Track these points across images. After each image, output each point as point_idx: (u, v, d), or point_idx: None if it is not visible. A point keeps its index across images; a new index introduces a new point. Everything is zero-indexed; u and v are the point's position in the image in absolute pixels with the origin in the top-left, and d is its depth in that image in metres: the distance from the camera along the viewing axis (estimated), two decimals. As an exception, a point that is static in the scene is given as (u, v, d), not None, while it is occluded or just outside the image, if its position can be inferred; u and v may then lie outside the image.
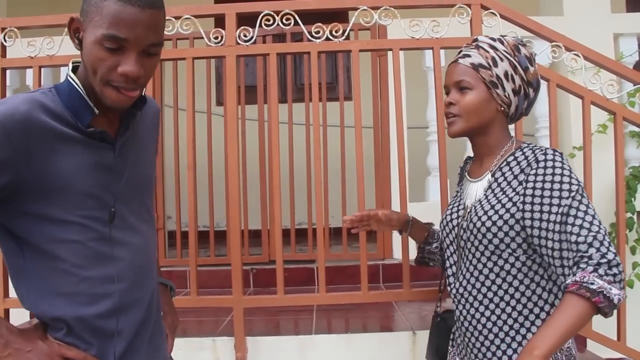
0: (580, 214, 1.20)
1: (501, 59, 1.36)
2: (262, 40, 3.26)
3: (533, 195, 1.25)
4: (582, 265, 1.16)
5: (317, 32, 2.06)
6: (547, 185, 1.24)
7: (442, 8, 2.11)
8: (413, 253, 2.52)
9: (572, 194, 1.22)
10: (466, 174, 1.51)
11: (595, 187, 2.14)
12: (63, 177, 1.10)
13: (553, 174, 1.25)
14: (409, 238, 1.79)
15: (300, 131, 3.58)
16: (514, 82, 1.36)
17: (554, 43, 2.11)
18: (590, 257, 1.16)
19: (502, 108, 1.38)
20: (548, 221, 1.23)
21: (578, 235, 1.18)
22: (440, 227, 1.53)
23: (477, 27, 2.07)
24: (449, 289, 1.46)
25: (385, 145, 3.32)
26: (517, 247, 1.29)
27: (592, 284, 1.13)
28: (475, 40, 1.43)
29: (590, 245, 1.16)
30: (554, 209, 1.22)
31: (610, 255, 1.15)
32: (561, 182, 1.23)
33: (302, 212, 3.54)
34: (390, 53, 2.11)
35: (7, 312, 2.09)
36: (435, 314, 1.63)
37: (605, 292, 1.13)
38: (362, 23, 2.08)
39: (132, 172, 1.23)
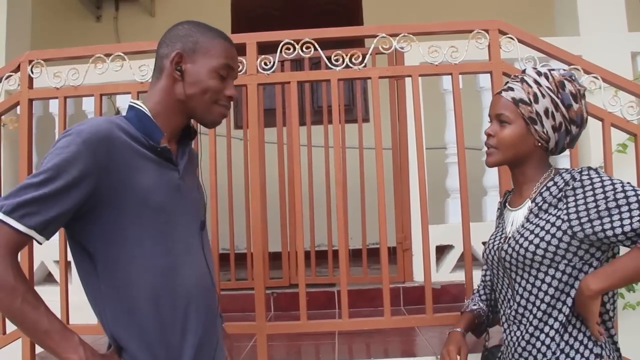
0: (632, 195, 1.24)
1: (543, 96, 1.37)
2: (280, 65, 3.31)
3: (577, 205, 1.29)
4: None
5: (337, 60, 2.09)
6: (589, 194, 1.28)
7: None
8: (434, 276, 2.53)
9: (617, 188, 1.26)
10: (507, 205, 1.53)
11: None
12: (141, 190, 1.21)
13: (592, 183, 1.29)
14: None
15: (319, 153, 3.61)
16: (554, 119, 1.37)
17: (572, 66, 2.12)
18: None
19: (540, 143, 1.40)
20: (601, 213, 1.26)
21: (634, 206, 1.23)
22: (484, 257, 1.55)
23: (495, 52, 2.08)
24: (502, 316, 1.48)
25: (404, 167, 3.32)
26: (573, 255, 1.31)
27: None
28: (523, 72, 1.45)
29: None
30: (602, 205, 1.26)
31: None
32: (603, 186, 1.28)
33: (322, 234, 3.54)
34: (408, 78, 2.13)
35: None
36: (484, 348, 1.64)
37: None
38: (381, 49, 2.11)
39: (192, 197, 1.37)
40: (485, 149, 1.47)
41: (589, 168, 1.34)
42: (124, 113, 1.34)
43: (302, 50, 2.10)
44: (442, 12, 5.18)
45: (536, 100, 1.37)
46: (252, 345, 2.33)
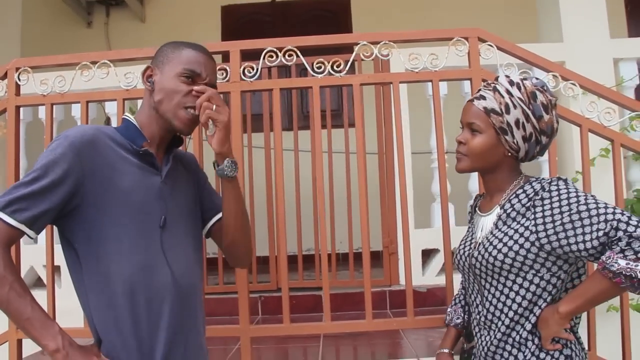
0: (593, 211, 1.26)
1: (514, 106, 1.38)
2: (267, 72, 3.34)
3: (544, 217, 1.32)
4: (613, 247, 1.22)
5: (319, 67, 2.13)
6: (555, 205, 1.31)
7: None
8: (416, 280, 2.55)
9: (581, 201, 1.29)
10: (477, 209, 1.56)
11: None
12: (120, 191, 1.30)
13: (559, 195, 1.32)
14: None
15: (307, 158, 3.64)
16: (524, 129, 1.39)
17: (550, 73, 2.16)
18: (619, 239, 1.22)
19: (510, 153, 1.42)
20: (567, 230, 1.28)
21: (596, 227, 1.24)
22: (455, 262, 1.58)
23: (475, 59, 2.13)
24: (473, 319, 1.51)
25: (390, 172, 3.36)
26: (540, 266, 1.34)
27: (613, 265, 1.21)
28: (497, 79, 1.47)
29: (617, 229, 1.22)
30: (567, 219, 1.28)
31: (637, 232, 1.20)
32: (568, 199, 1.30)
33: (310, 238, 3.57)
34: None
35: (19, 342, 2.14)
36: (462, 350, 1.67)
37: (625, 273, 1.19)
38: (362, 57, 2.15)
39: (176, 202, 1.43)
40: (456, 155, 1.49)
41: (559, 178, 1.37)
42: (113, 118, 1.43)
43: (285, 58, 2.14)
44: (428, 18, 5.23)
45: (507, 111, 1.39)
46: (238, 348, 2.35)
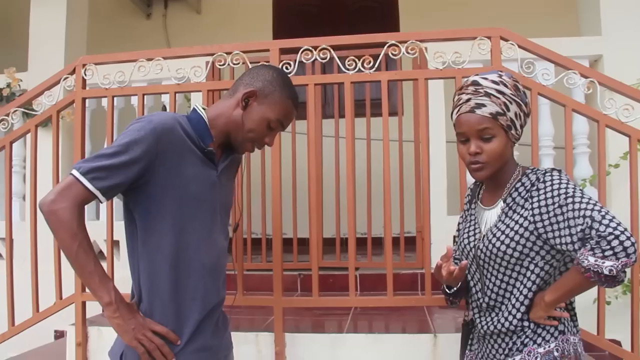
0: (576, 205, 1.39)
1: (510, 103, 1.50)
2: (312, 65, 3.53)
3: (540, 206, 1.45)
4: (586, 244, 1.37)
5: (350, 64, 2.32)
6: (549, 194, 1.44)
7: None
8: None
9: (569, 193, 1.42)
10: (479, 202, 1.68)
11: (623, 210, 2.22)
12: (184, 177, 1.51)
13: (552, 184, 1.45)
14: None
15: (359, 145, 3.78)
16: (521, 119, 1.53)
17: (569, 70, 2.27)
18: (591, 237, 1.35)
19: (514, 142, 1.56)
20: (557, 222, 1.42)
21: (575, 222, 1.38)
22: (458, 248, 1.70)
23: (497, 58, 2.26)
24: (472, 302, 1.65)
25: (424, 160, 3.50)
26: (535, 254, 1.48)
27: (584, 261, 1.36)
28: (475, 83, 1.53)
29: (590, 227, 1.35)
30: (557, 210, 1.42)
31: (606, 232, 1.33)
32: (559, 189, 1.43)
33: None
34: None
35: (84, 304, 2.46)
36: (464, 322, 1.78)
37: (594, 269, 1.34)
38: (391, 55, 2.32)
39: (224, 194, 1.66)
40: (472, 165, 1.54)
41: (553, 169, 1.50)
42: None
43: (319, 56, 2.33)
44: (471, 10, 5.28)
45: (507, 109, 1.50)
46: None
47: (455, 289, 1.68)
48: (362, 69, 2.31)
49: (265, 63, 1.67)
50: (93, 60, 2.52)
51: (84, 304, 2.46)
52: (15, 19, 4.80)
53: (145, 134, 1.43)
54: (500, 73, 1.57)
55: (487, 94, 1.51)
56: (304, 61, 2.35)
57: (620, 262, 1.33)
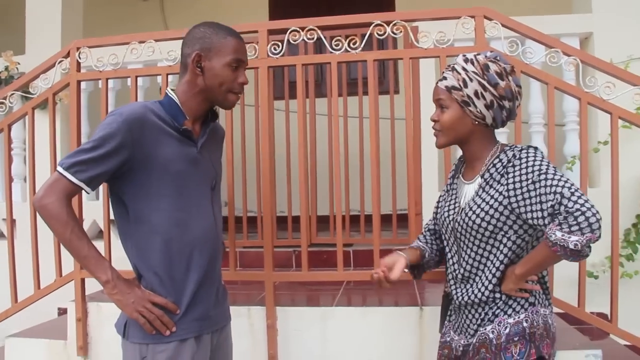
0: (548, 182, 1.46)
1: (470, 80, 1.57)
2: (304, 45, 3.56)
3: (514, 182, 1.52)
4: (554, 219, 1.43)
5: (337, 44, 2.37)
6: (523, 171, 1.51)
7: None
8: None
9: (542, 170, 1.48)
10: (460, 175, 1.75)
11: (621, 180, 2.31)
12: (163, 159, 1.61)
13: (527, 161, 1.52)
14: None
15: (354, 123, 3.82)
16: (484, 98, 1.57)
17: (552, 49, 2.31)
18: (559, 213, 1.42)
19: (477, 122, 1.61)
20: (530, 197, 1.49)
21: (547, 198, 1.44)
22: (439, 220, 1.78)
23: (481, 37, 2.30)
24: (449, 273, 1.73)
25: (416, 137, 3.55)
26: (508, 228, 1.56)
27: (551, 236, 1.43)
28: (456, 62, 1.65)
29: (560, 203, 1.42)
30: (531, 186, 1.49)
31: (573, 208, 1.40)
32: (533, 166, 1.50)
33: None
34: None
35: (83, 281, 2.55)
36: (445, 293, 1.86)
37: (560, 243, 1.41)
38: (377, 35, 2.36)
39: (208, 167, 1.74)
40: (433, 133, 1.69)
41: (529, 147, 1.56)
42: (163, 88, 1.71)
43: (307, 37, 2.38)
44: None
45: (465, 85, 1.57)
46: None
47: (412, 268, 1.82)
48: (349, 49, 2.36)
49: (192, 27, 1.71)
50: (87, 44, 2.58)
51: (82, 280, 2.55)
52: (13, 1, 4.82)
53: (118, 126, 1.54)
54: (486, 53, 1.64)
55: (452, 69, 1.61)
56: (292, 42, 2.40)
57: (585, 237, 1.39)
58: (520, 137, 2.33)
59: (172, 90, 1.70)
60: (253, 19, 3.30)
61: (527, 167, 1.51)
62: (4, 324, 2.75)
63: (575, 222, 1.39)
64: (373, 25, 2.34)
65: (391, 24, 2.32)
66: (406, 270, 1.76)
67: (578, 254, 1.43)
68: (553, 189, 1.44)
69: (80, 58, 2.58)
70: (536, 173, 1.49)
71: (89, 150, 1.54)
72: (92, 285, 2.63)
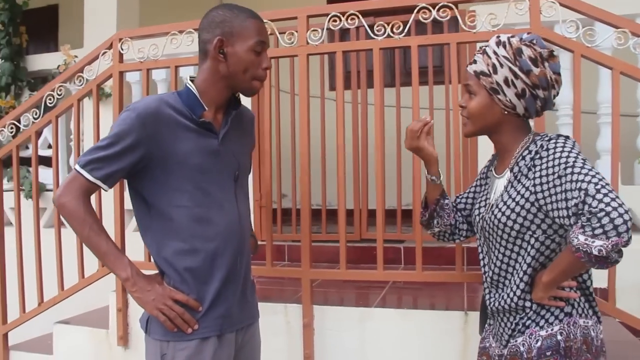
0: (574, 176, 1.28)
1: (501, 65, 1.41)
2: (356, 31, 3.42)
3: (541, 176, 1.36)
4: (578, 220, 1.25)
5: (379, 30, 2.23)
6: (550, 163, 1.34)
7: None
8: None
9: (569, 162, 1.31)
10: (493, 169, 1.60)
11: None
12: (181, 154, 1.54)
13: (555, 153, 1.35)
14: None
15: (407, 114, 3.65)
16: (515, 86, 1.41)
17: (619, 29, 2.06)
18: (582, 214, 1.24)
19: (507, 111, 1.45)
20: (556, 193, 1.32)
21: (572, 194, 1.26)
22: (472, 217, 1.63)
23: (535, 17, 2.09)
24: (483, 274, 1.58)
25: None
26: (536, 228, 1.39)
27: (574, 240, 1.24)
28: (488, 43, 1.50)
29: (584, 202, 1.24)
30: (557, 181, 1.31)
31: (597, 208, 1.21)
32: (560, 157, 1.33)
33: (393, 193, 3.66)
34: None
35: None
36: (482, 298, 1.72)
37: (583, 248, 1.22)
38: (421, 19, 2.20)
39: (232, 159, 1.65)
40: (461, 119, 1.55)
41: (559, 136, 1.38)
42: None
43: (347, 22, 2.26)
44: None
45: (495, 71, 1.41)
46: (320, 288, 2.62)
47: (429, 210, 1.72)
48: (391, 34, 2.22)
49: (209, 10, 1.61)
50: (128, 35, 2.57)
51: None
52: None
53: (131, 122, 1.49)
54: (522, 35, 1.47)
55: (484, 52, 1.46)
56: (332, 28, 2.28)
57: (610, 241, 1.20)
58: (579, 129, 2.11)
59: (191, 80, 1.63)
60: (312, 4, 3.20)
61: (554, 160, 1.34)
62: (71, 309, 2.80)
63: (599, 225, 1.20)
64: (417, 8, 2.18)
65: (437, 7, 2.16)
66: (428, 176, 1.69)
67: (605, 261, 1.24)
68: (578, 184, 1.26)
69: (122, 49, 2.57)
70: (562, 166, 1.31)
71: (104, 148, 1.51)
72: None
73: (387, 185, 3.62)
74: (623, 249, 1.24)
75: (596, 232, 1.21)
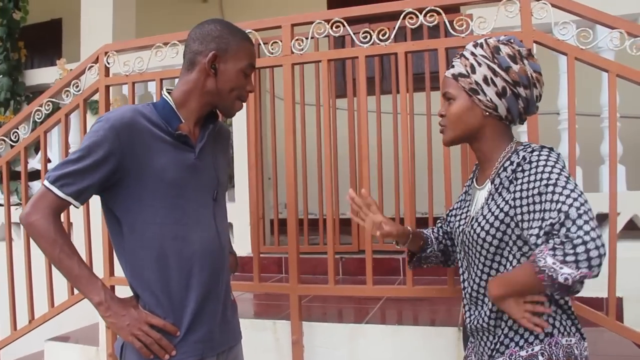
0: (555, 196, 1.19)
1: (479, 64, 1.36)
2: (341, 39, 3.35)
3: (521, 190, 1.28)
4: (550, 240, 1.17)
5: (365, 37, 2.16)
6: (532, 177, 1.26)
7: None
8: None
9: (552, 179, 1.22)
10: (474, 180, 1.53)
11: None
12: (156, 168, 1.45)
13: (537, 166, 1.26)
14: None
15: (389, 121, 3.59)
16: (495, 85, 1.35)
17: (615, 30, 1.98)
18: (557, 235, 1.16)
19: (488, 113, 1.38)
20: (534, 211, 1.24)
21: (549, 215, 1.19)
22: (453, 230, 1.56)
23: (526, 20, 2.01)
24: (462, 291, 1.50)
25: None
26: (513, 244, 1.32)
27: (541, 260, 1.16)
28: (465, 47, 1.44)
29: (562, 224, 1.15)
30: (537, 198, 1.23)
31: (575, 234, 1.13)
32: (542, 172, 1.25)
33: (390, 202, 3.58)
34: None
35: (112, 288, 2.50)
36: (463, 321, 1.66)
37: (549, 272, 1.14)
38: (408, 25, 2.13)
39: (209, 174, 1.57)
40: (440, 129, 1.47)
41: (543, 147, 1.30)
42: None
43: (332, 30, 2.20)
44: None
45: (473, 71, 1.35)
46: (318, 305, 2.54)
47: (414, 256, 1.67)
48: (378, 41, 2.15)
49: (202, 22, 1.56)
50: (114, 48, 2.53)
51: (112, 288, 2.51)
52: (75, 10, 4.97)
53: (104, 133, 1.40)
54: (499, 37, 1.41)
55: (461, 55, 1.40)
56: (317, 36, 2.22)
57: (579, 272, 1.12)
58: (574, 133, 2.02)
59: (167, 92, 1.56)
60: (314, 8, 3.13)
61: (535, 174, 1.25)
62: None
63: (572, 252, 1.12)
64: (404, 14, 2.11)
65: (423, 12, 2.09)
66: (398, 246, 1.62)
67: (567, 290, 1.17)
68: (559, 205, 1.17)
69: (108, 63, 2.54)
70: (544, 182, 1.22)
71: (75, 162, 1.41)
72: (124, 293, 2.61)
73: (385, 196, 3.60)
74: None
75: (567, 258, 1.12)
